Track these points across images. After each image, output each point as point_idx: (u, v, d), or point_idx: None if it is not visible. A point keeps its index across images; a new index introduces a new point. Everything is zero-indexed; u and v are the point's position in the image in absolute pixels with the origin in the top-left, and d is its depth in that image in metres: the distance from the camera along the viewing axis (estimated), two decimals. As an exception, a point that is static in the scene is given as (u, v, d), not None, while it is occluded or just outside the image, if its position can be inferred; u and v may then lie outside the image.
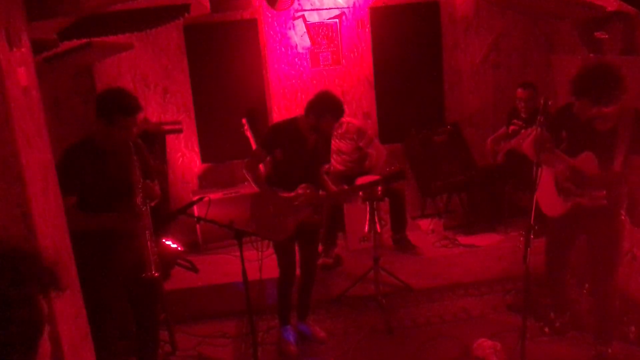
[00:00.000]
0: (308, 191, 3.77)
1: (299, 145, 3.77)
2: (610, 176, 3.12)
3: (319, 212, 3.93)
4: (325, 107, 3.69)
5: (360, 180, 4.81)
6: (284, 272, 3.91)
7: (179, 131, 5.66)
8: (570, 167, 3.23)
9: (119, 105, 2.99)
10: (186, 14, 4.04)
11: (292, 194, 3.77)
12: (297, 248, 3.96)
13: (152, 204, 3.20)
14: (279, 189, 3.79)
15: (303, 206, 3.78)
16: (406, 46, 6.02)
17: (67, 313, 2.37)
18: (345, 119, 5.09)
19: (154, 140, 5.47)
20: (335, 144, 5.21)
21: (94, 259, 3.05)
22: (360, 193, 4.39)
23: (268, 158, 3.86)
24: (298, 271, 3.99)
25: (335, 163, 5.29)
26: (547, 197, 3.43)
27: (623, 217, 3.33)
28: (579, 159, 3.24)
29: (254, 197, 3.84)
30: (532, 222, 2.95)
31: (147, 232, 3.07)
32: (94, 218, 3.04)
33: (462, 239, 5.26)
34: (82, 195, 3.01)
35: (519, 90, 5.21)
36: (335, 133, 5.15)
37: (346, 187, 4.05)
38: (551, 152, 3.35)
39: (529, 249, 2.94)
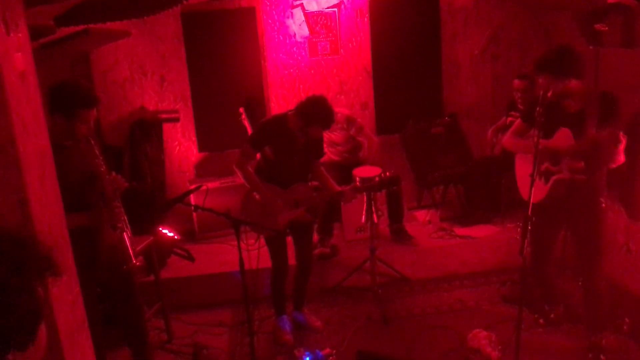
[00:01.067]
0: (313, 193, 3.79)
1: (289, 143, 3.74)
2: (584, 143, 3.18)
3: (312, 211, 3.93)
4: (316, 116, 3.63)
5: (357, 171, 4.81)
6: (276, 265, 3.92)
7: (176, 120, 5.64)
8: (546, 147, 3.27)
9: (79, 97, 2.87)
10: (184, 2, 4.01)
11: (286, 191, 3.77)
12: (291, 240, 3.97)
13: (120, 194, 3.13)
14: (270, 186, 3.78)
15: (298, 206, 3.79)
16: (405, 37, 5.99)
17: (64, 299, 2.37)
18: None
19: (151, 128, 5.46)
20: (327, 136, 5.18)
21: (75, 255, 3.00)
22: (357, 184, 4.39)
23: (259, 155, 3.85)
24: (292, 262, 4.00)
25: (330, 154, 5.27)
26: (525, 182, 3.47)
27: (604, 205, 3.35)
28: (554, 137, 3.31)
29: (245, 193, 3.82)
30: (529, 213, 2.95)
31: (120, 223, 3.03)
32: (68, 218, 2.97)
33: (459, 230, 5.26)
34: None
35: (516, 81, 5.20)
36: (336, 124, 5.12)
37: (346, 188, 4.01)
38: (527, 138, 3.46)
39: (525, 240, 2.94)
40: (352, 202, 4.92)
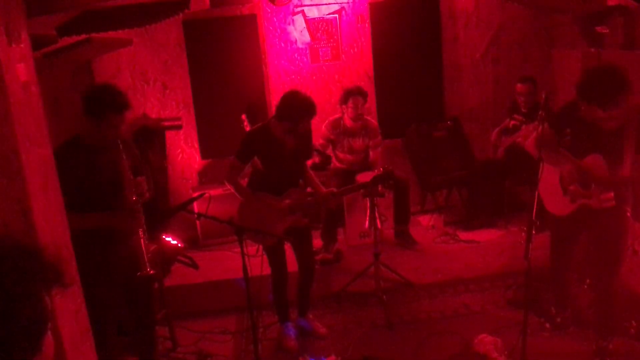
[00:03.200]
0: (307, 198, 3.78)
1: (276, 150, 3.73)
2: (619, 179, 3.11)
3: (307, 215, 3.92)
4: (299, 110, 3.61)
5: (361, 177, 4.81)
6: (275, 273, 3.91)
7: (179, 127, 5.65)
8: (578, 168, 3.19)
9: (109, 102, 2.93)
10: (185, 10, 4.03)
11: (280, 198, 3.77)
12: (291, 247, 3.96)
13: (143, 201, 3.18)
14: (264, 194, 3.78)
15: (293, 212, 3.78)
16: (406, 41, 6.00)
17: (68, 309, 2.37)
18: (364, 116, 5.13)
19: (154, 136, 5.46)
20: (348, 142, 5.16)
21: (91, 257, 3.02)
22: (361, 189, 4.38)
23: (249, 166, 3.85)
24: (292, 269, 3.99)
25: (337, 162, 5.26)
26: (552, 195, 3.41)
27: (629, 214, 3.32)
28: (586, 161, 3.20)
29: (240, 205, 3.82)
30: (533, 217, 2.94)
31: (140, 229, 3.04)
32: (88, 217, 2.99)
33: (462, 235, 5.25)
34: (73, 194, 2.95)
35: (518, 84, 5.20)
36: (351, 129, 5.12)
37: (335, 190, 4.02)
38: (555, 151, 3.33)
39: (530, 244, 2.93)
40: (355, 209, 4.95)
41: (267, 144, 3.73)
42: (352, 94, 5.01)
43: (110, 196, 3.03)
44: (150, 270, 3.04)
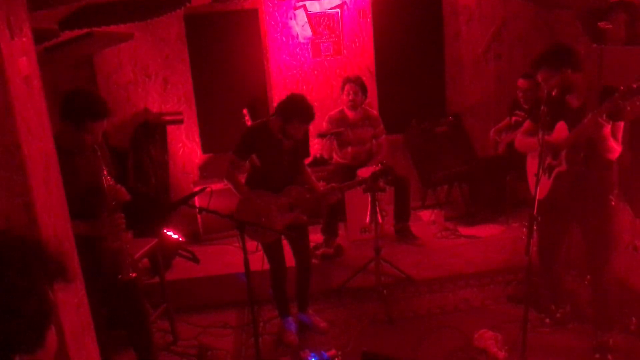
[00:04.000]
0: (307, 195, 3.79)
1: (274, 148, 3.73)
2: (574, 131, 3.19)
3: (306, 212, 3.93)
4: (294, 111, 3.61)
5: (362, 172, 4.81)
6: (273, 269, 3.93)
7: (180, 122, 5.65)
8: (547, 142, 3.28)
9: (89, 109, 2.89)
10: (187, 4, 4.02)
11: (278, 196, 3.77)
12: (288, 243, 3.98)
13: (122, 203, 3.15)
14: (263, 192, 3.78)
15: (292, 209, 3.79)
16: (407, 36, 5.99)
17: (70, 302, 2.38)
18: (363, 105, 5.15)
19: (155, 130, 5.46)
20: (355, 133, 5.16)
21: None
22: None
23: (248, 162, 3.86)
24: (291, 264, 4.00)
25: (339, 157, 5.25)
26: (535, 181, 3.49)
27: (613, 203, 3.34)
28: (554, 132, 3.35)
29: (239, 201, 3.83)
30: (534, 213, 2.94)
31: (121, 233, 3.03)
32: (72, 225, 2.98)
33: (463, 230, 5.26)
34: None
35: (520, 80, 5.18)
36: (353, 120, 5.12)
37: (334, 185, 4.03)
38: (533, 139, 3.49)
39: (531, 239, 2.93)
40: (356, 204, 4.95)
41: (265, 141, 3.73)
42: (348, 81, 5.07)
43: (90, 201, 2.99)
44: (132, 274, 3.04)
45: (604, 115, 2.97)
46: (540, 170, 3.11)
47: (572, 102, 3.31)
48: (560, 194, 3.39)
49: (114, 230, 3.01)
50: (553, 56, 3.25)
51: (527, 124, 3.70)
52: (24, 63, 2.23)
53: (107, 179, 2.98)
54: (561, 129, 3.29)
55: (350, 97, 5.06)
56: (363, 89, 5.08)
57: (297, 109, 3.62)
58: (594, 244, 3.44)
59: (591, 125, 3.03)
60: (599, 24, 4.79)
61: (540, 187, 3.10)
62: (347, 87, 5.05)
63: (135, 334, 3.43)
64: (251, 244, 3.53)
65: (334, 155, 5.31)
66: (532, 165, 3.64)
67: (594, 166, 3.26)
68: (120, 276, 3.03)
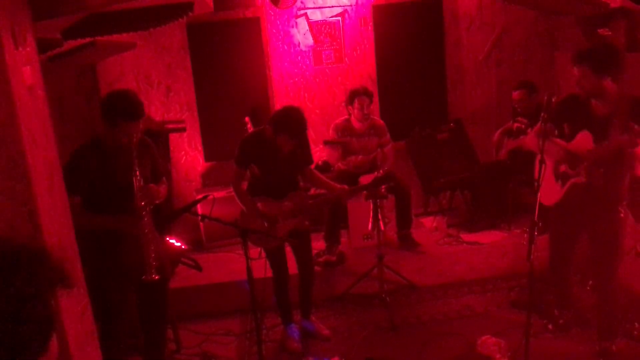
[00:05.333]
0: (309, 201, 3.81)
1: (272, 156, 3.74)
2: (603, 148, 3.13)
3: (309, 218, 3.94)
4: (283, 124, 3.62)
5: (363, 179, 4.82)
6: (277, 275, 3.94)
7: (182, 130, 5.67)
8: (566, 150, 3.24)
9: (122, 110, 2.98)
10: (189, 13, 4.04)
11: (280, 202, 3.79)
12: (291, 250, 3.98)
13: (157, 203, 3.21)
14: (265, 198, 3.80)
15: (295, 215, 3.80)
16: (409, 44, 6.02)
17: (73, 310, 2.39)
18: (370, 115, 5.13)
19: (157, 139, 5.47)
20: (362, 142, 5.16)
21: (102, 258, 3.06)
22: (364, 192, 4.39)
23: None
24: (293, 271, 4.01)
25: (341, 164, 5.25)
26: (546, 188, 3.46)
27: (622, 215, 3.33)
28: (575, 140, 3.27)
29: (242, 212, 3.85)
30: (535, 218, 2.95)
31: (148, 234, 3.06)
32: (97, 219, 3.05)
33: (466, 237, 5.25)
34: (88, 195, 3.01)
35: (513, 92, 5.18)
36: (359, 130, 5.13)
37: (346, 187, 4.05)
38: (550, 142, 3.38)
39: (533, 245, 2.93)
40: (359, 211, 4.95)
41: (261, 149, 3.75)
42: (357, 94, 5.01)
43: (121, 199, 3.06)
44: (155, 276, 3.06)
45: None
46: (542, 177, 3.08)
47: (599, 109, 3.19)
48: (573, 203, 3.37)
49: (139, 230, 3.04)
50: (601, 57, 3.10)
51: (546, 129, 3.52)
52: (28, 73, 2.26)
53: (138, 180, 3.03)
54: (584, 139, 3.19)
55: (364, 111, 5.03)
56: (370, 98, 5.07)
57: (287, 123, 3.62)
58: (601, 253, 3.42)
59: (626, 144, 2.99)
60: (599, 30, 4.81)
61: (551, 194, 3.07)
62: (357, 101, 5.00)
63: (150, 339, 3.46)
64: (254, 251, 3.54)
65: (337, 163, 5.32)
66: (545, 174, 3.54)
67: (611, 180, 3.23)
68: (144, 277, 3.05)
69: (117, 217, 3.06)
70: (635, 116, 3.04)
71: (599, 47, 3.18)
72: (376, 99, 5.95)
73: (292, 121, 3.63)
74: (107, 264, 3.08)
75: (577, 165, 3.27)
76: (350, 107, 5.07)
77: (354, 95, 5.03)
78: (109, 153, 3.06)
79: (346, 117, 5.19)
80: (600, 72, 3.09)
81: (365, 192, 4.39)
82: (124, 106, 2.99)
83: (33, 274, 1.08)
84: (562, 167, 3.36)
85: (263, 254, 3.95)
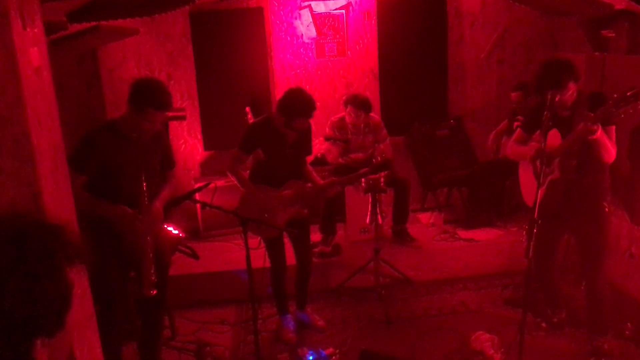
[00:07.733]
0: (307, 189, 3.81)
1: (278, 143, 3.76)
2: (567, 141, 3.22)
3: (307, 206, 3.95)
4: (296, 107, 3.63)
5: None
6: (274, 265, 3.94)
7: (182, 118, 5.65)
8: (539, 149, 3.29)
9: (153, 98, 2.99)
10: (194, 1, 4.04)
11: (280, 190, 3.80)
12: (288, 240, 4.00)
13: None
14: (265, 187, 3.81)
15: (294, 203, 3.81)
16: (412, 39, 6.02)
17: (74, 293, 2.39)
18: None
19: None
20: (358, 139, 5.15)
21: (101, 243, 3.06)
22: (363, 185, 4.40)
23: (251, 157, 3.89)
24: (291, 262, 4.02)
25: (341, 159, 5.25)
26: (528, 188, 3.57)
27: (607, 210, 3.37)
28: (547, 140, 3.32)
29: (241, 196, 3.85)
30: (535, 216, 2.97)
31: (142, 237, 3.08)
32: (98, 204, 3.04)
33: (462, 233, 5.28)
34: (94, 177, 3.01)
35: (512, 94, 5.20)
36: (357, 129, 5.13)
37: (335, 179, 4.06)
38: (528, 147, 3.53)
39: (531, 242, 2.95)
40: (356, 204, 4.96)
41: (269, 136, 3.76)
42: (349, 103, 4.99)
43: (125, 188, 3.07)
44: (153, 291, 3.09)
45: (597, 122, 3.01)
46: (542, 174, 3.13)
47: (562, 112, 3.31)
48: (554, 201, 3.41)
49: (141, 228, 3.06)
50: (573, 69, 3.22)
51: (518, 132, 3.71)
52: (36, 54, 2.25)
53: (153, 168, 3.11)
54: (554, 137, 3.30)
55: (352, 120, 5.02)
56: (365, 108, 5.00)
57: (299, 107, 3.64)
58: (587, 250, 3.48)
59: (583, 132, 3.07)
60: (601, 32, 4.82)
61: (533, 194, 3.11)
62: (349, 108, 4.98)
63: (146, 330, 3.51)
64: (253, 241, 3.55)
65: (335, 160, 5.31)
66: (524, 173, 3.68)
67: (586, 173, 3.30)
68: (143, 291, 3.09)
69: (117, 206, 3.05)
70: (592, 108, 3.13)
71: (552, 68, 3.22)
72: (377, 93, 5.96)
73: (304, 102, 3.65)
74: (106, 249, 3.09)
75: (550, 162, 3.35)
76: (345, 111, 5.07)
77: (347, 103, 5.01)
78: (123, 138, 3.07)
79: (342, 115, 5.19)
80: (563, 85, 3.17)
81: (364, 186, 4.39)
82: (156, 95, 3.01)
83: (46, 251, 1.08)
84: (538, 166, 3.43)
85: (262, 244, 3.96)
